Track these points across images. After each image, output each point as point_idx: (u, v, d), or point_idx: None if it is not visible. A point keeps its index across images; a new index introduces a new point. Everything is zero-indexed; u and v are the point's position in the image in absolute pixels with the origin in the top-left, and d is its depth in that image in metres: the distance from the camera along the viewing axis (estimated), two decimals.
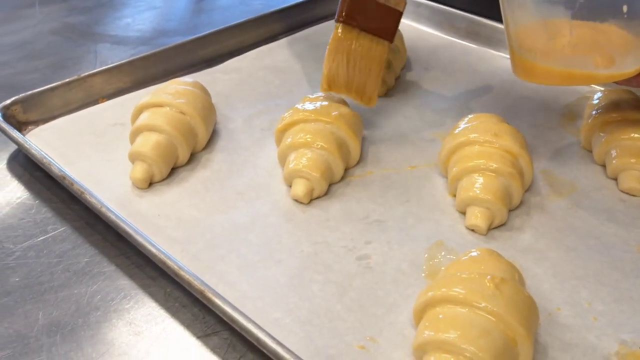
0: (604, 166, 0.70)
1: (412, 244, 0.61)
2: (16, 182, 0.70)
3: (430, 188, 0.68)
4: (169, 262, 0.56)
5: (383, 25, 0.73)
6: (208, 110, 0.74)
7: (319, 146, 0.66)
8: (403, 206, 0.65)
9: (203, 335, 0.53)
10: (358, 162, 0.71)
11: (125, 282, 0.58)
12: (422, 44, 0.95)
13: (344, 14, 0.72)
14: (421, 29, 0.99)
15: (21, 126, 0.76)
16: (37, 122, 0.78)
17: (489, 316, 0.47)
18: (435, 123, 0.77)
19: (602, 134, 0.69)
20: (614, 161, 0.67)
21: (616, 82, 0.62)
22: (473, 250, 0.55)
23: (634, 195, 0.66)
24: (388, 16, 0.73)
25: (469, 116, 0.70)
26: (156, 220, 0.63)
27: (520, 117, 0.78)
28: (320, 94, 0.73)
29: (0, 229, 0.64)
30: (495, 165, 0.63)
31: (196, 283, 0.53)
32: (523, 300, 0.49)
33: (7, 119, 0.75)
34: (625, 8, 0.58)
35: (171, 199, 0.66)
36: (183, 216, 0.64)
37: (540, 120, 0.77)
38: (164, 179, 0.69)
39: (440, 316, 0.48)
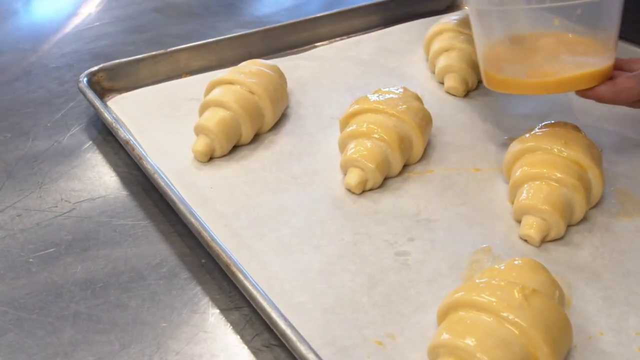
0: None
1: (457, 247, 0.58)
2: (89, 143, 0.73)
3: (490, 192, 0.64)
4: (203, 232, 0.56)
5: None
6: (279, 93, 0.74)
7: (378, 137, 0.65)
8: (457, 208, 0.63)
9: (225, 309, 0.53)
10: (421, 159, 0.69)
11: (164, 249, 0.59)
12: None
13: None
14: None
15: (105, 93, 0.80)
16: (120, 91, 0.80)
17: (512, 327, 0.44)
18: (511, 128, 0.74)
19: None
20: None
21: (579, 94, 0.62)
22: (517, 258, 0.52)
23: None
24: None
25: (545, 122, 0.66)
26: (208, 193, 0.64)
27: (606, 131, 0.73)
28: (394, 87, 0.72)
29: (63, 185, 0.67)
30: (558, 175, 0.59)
31: (223, 255, 0.53)
32: (554, 317, 0.46)
33: (91, 84, 0.78)
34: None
35: (227, 174, 0.67)
36: (235, 192, 0.64)
37: (628, 137, 0.72)
38: (224, 155, 0.69)
39: (460, 320, 0.46)
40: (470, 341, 0.44)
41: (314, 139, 0.72)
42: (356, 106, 0.68)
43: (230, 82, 0.72)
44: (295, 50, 0.91)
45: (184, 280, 0.56)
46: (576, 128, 0.65)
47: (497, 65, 0.64)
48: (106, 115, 0.71)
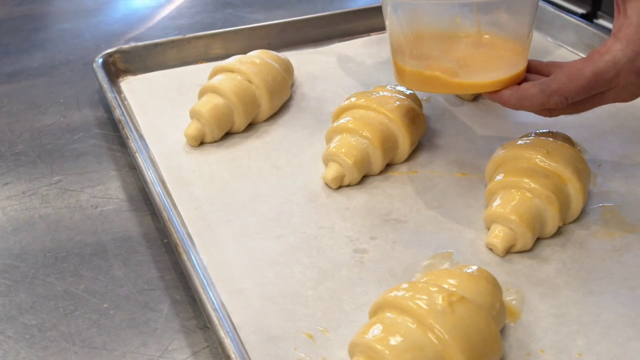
0: None
1: (418, 249, 0.57)
2: (93, 121, 0.76)
3: (469, 198, 0.63)
4: (164, 212, 0.57)
5: None
6: (279, 84, 0.74)
7: (360, 134, 0.64)
8: (431, 211, 0.61)
9: (172, 288, 0.54)
10: (407, 160, 0.67)
11: (133, 226, 0.61)
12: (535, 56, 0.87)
13: None
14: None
15: (119, 74, 0.82)
16: (134, 72, 0.83)
17: (429, 333, 0.43)
18: (510, 135, 0.71)
19: None
20: None
21: (486, 95, 0.60)
22: (470, 266, 0.51)
23: None
24: None
25: (537, 130, 0.64)
26: (189, 176, 0.65)
27: (609, 146, 0.69)
28: (393, 85, 0.71)
29: (56, 156, 0.69)
30: (532, 185, 0.57)
31: (175, 236, 0.54)
32: (479, 328, 0.44)
33: (106, 65, 0.80)
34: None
35: (213, 159, 0.68)
36: (214, 177, 0.65)
37: (630, 153, 0.68)
38: (215, 141, 0.70)
39: (382, 321, 0.45)
40: (381, 342, 0.43)
41: (307, 132, 0.72)
42: (347, 101, 0.68)
43: (231, 70, 0.73)
44: (316, 44, 0.91)
45: (142, 257, 0.57)
46: (567, 139, 0.63)
47: (403, 60, 0.62)
48: (108, 94, 0.74)
